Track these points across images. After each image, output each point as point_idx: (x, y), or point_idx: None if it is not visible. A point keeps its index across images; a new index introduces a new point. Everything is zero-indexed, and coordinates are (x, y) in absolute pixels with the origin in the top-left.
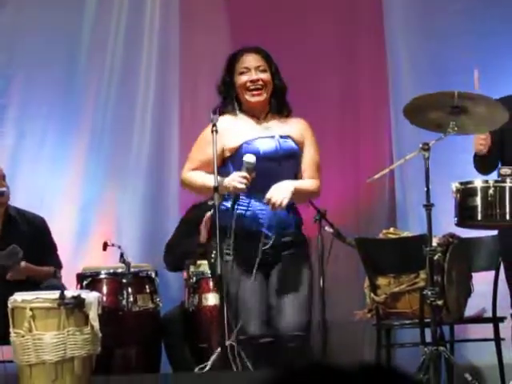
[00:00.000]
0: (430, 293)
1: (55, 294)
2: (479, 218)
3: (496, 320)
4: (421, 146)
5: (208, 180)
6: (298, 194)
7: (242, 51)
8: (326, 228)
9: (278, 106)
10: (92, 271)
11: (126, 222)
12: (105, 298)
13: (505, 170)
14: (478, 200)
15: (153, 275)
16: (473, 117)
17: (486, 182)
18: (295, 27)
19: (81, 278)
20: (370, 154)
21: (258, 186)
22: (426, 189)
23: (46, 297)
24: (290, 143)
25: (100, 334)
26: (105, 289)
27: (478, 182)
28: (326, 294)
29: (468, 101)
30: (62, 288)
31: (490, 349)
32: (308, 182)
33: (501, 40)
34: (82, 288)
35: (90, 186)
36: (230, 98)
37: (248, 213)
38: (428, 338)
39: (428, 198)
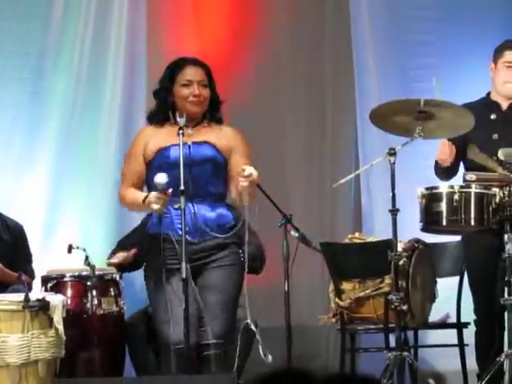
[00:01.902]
0: (394, 298)
1: (20, 297)
2: (444, 223)
3: (460, 326)
4: (387, 151)
5: (137, 197)
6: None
7: (185, 62)
8: (292, 232)
9: (211, 117)
10: (57, 274)
11: (91, 225)
12: (69, 301)
13: (470, 176)
14: (443, 205)
15: (117, 278)
16: (439, 122)
17: (452, 187)
18: (260, 35)
19: (45, 280)
20: (336, 159)
21: (173, 192)
22: (391, 194)
23: (11, 299)
24: (205, 149)
25: (64, 337)
26: (69, 292)
27: (444, 187)
28: (291, 299)
29: (434, 107)
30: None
31: (453, 354)
32: None
33: (465, 46)
34: (46, 291)
35: (55, 189)
36: (165, 105)
37: (167, 220)
38: (392, 343)
39: (393, 203)
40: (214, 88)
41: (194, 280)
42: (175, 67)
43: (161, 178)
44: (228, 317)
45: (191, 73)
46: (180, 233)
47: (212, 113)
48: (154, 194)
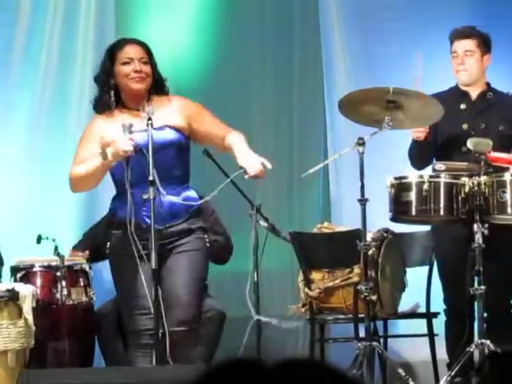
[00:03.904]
0: (363, 288)
1: None
2: (413, 213)
3: (429, 315)
4: (356, 140)
5: (91, 161)
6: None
7: (123, 41)
8: (261, 222)
9: (156, 93)
10: (26, 264)
11: (60, 215)
12: (39, 291)
13: (439, 166)
14: (413, 195)
15: (87, 268)
16: (408, 112)
17: (421, 176)
18: (229, 24)
19: (15, 270)
20: (305, 149)
21: (135, 179)
22: (360, 183)
23: None
24: (166, 134)
25: (34, 327)
26: (39, 282)
27: (413, 176)
28: (260, 289)
29: (403, 96)
30: None
31: (423, 344)
32: (238, 137)
33: (436, 35)
34: (15, 281)
35: (24, 179)
36: (107, 88)
37: (129, 206)
38: (362, 333)
39: (362, 192)
40: (157, 68)
41: (159, 266)
42: (114, 47)
43: (128, 120)
44: (194, 303)
45: (131, 51)
46: (147, 220)
47: (157, 90)
48: (121, 137)
